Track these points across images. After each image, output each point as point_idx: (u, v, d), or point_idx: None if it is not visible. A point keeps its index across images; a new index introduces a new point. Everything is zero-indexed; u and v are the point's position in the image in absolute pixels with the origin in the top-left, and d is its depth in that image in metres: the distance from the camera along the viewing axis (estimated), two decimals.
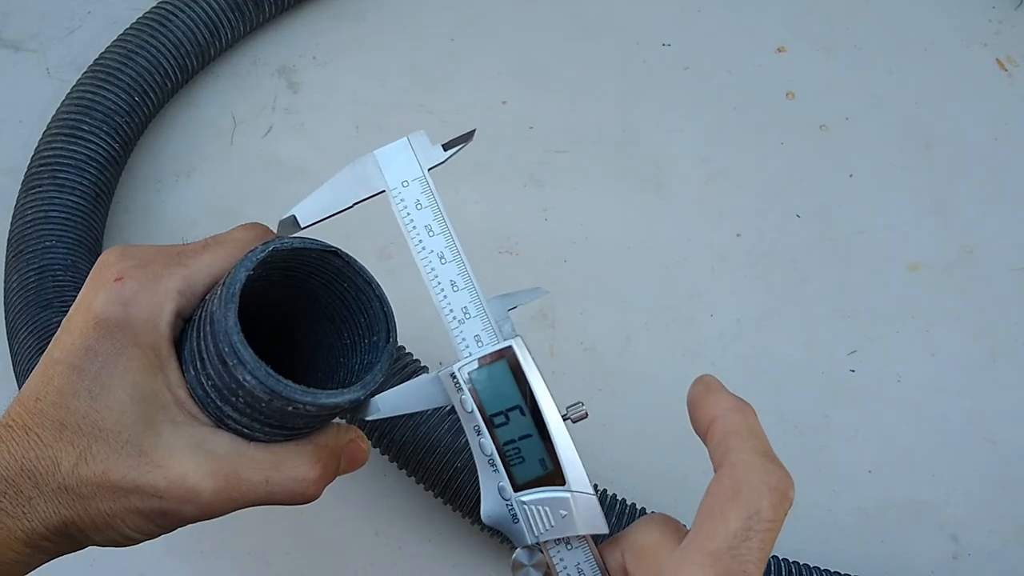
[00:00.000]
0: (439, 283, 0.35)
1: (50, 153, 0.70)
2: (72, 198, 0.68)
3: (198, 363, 0.35)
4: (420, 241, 0.36)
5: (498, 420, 0.34)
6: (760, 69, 0.84)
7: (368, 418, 0.35)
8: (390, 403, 0.35)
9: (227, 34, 0.78)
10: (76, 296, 0.62)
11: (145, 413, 0.35)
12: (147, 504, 0.35)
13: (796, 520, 0.66)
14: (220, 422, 0.36)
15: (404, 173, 0.38)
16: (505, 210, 0.77)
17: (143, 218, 0.75)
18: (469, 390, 0.34)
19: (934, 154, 0.80)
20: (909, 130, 0.81)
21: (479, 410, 0.34)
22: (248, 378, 0.34)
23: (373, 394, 0.36)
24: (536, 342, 0.69)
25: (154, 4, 0.78)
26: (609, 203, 0.77)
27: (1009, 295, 0.74)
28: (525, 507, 0.34)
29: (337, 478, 0.40)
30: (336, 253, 0.36)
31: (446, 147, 0.38)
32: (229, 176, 0.78)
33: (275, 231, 0.39)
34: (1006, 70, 0.84)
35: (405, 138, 0.38)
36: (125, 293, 0.36)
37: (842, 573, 0.60)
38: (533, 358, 0.35)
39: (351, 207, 0.37)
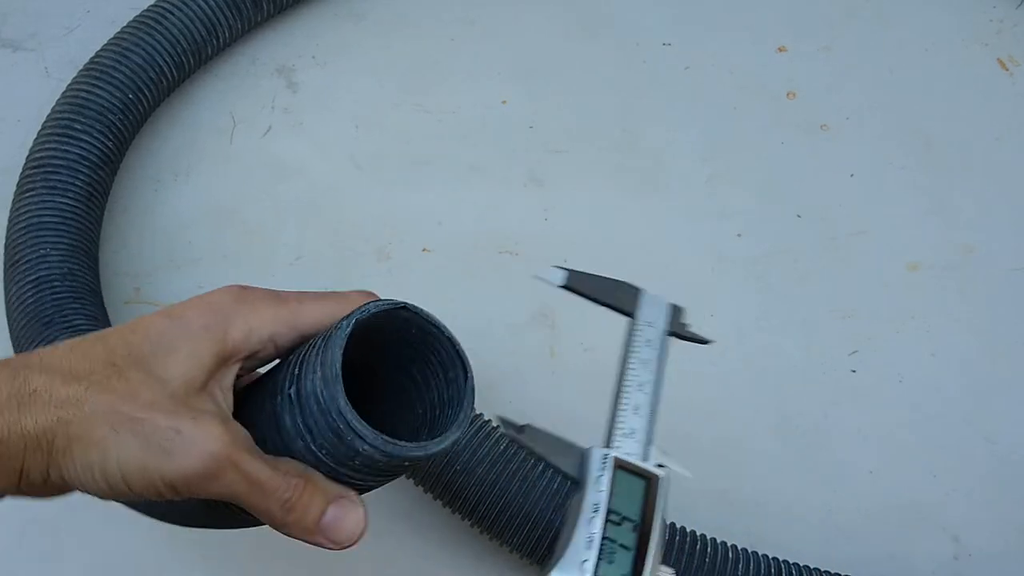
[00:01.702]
0: (627, 402, 0.40)
1: (43, 154, 0.69)
2: (65, 200, 0.68)
3: (307, 436, 0.37)
4: (634, 367, 0.41)
5: (613, 517, 0.37)
6: (760, 69, 0.84)
7: (519, 436, 0.38)
8: (538, 438, 0.38)
9: (225, 32, 0.78)
10: (76, 308, 0.62)
11: (191, 378, 0.37)
12: (157, 437, 0.35)
13: (796, 520, 0.66)
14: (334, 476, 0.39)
15: (652, 318, 0.44)
16: (505, 210, 0.76)
17: (141, 217, 0.75)
18: (612, 478, 0.37)
19: (934, 154, 0.80)
20: (909, 130, 0.81)
21: (607, 497, 0.37)
22: (366, 448, 0.36)
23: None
24: (536, 343, 0.69)
25: (152, 3, 0.78)
26: (609, 203, 0.77)
27: (1009, 295, 0.74)
28: None
29: None
30: (405, 307, 0.38)
31: (686, 333, 0.45)
32: (228, 175, 0.78)
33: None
34: (1007, 70, 0.84)
35: (670, 303, 0.45)
36: (243, 295, 0.39)
37: (842, 574, 0.60)
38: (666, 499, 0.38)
39: (600, 303, 0.44)
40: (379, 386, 0.42)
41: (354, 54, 0.84)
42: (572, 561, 0.36)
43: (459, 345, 0.39)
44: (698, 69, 0.84)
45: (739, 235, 0.76)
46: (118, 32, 0.76)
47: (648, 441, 0.39)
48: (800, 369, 0.71)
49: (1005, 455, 0.68)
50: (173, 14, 0.75)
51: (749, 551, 0.60)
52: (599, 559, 0.36)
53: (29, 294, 0.64)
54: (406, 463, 0.37)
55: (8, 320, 0.66)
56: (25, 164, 0.70)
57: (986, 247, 0.76)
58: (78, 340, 0.37)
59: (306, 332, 0.40)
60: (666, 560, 0.57)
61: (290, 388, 0.38)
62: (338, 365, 0.36)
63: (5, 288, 0.66)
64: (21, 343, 0.63)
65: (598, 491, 0.36)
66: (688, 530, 0.60)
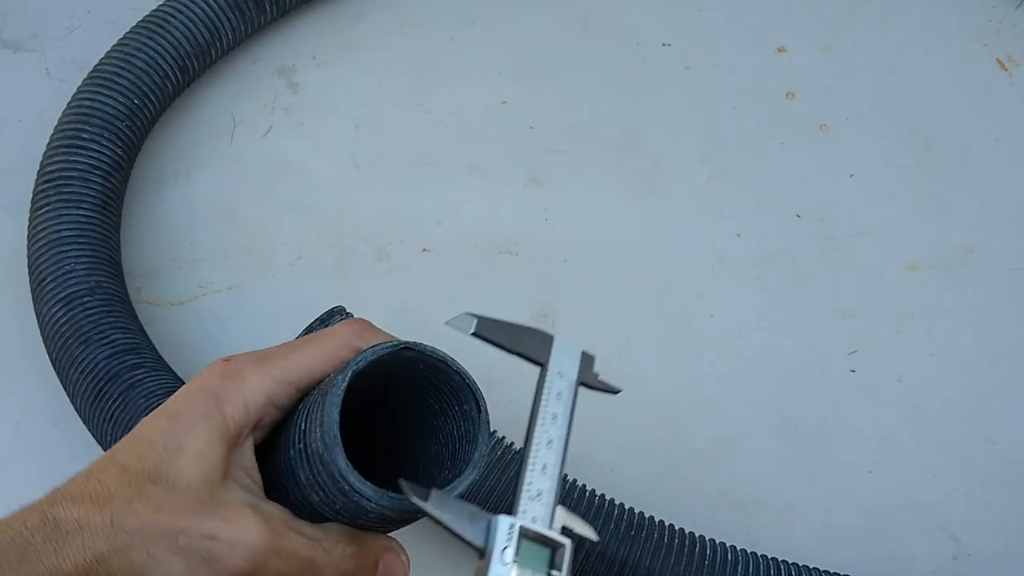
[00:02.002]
0: (535, 460, 0.38)
1: (53, 167, 0.69)
2: (81, 211, 0.67)
3: (320, 492, 0.37)
4: (543, 422, 0.39)
5: None
6: (760, 69, 0.84)
7: (423, 504, 0.36)
8: (444, 509, 0.36)
9: (228, 35, 0.78)
10: (111, 321, 0.63)
11: (209, 474, 0.36)
12: (196, 547, 0.35)
13: (796, 520, 0.66)
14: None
15: (563, 368, 0.41)
16: (505, 210, 0.77)
17: (143, 218, 0.75)
18: (517, 549, 0.36)
19: (934, 154, 0.80)
20: (909, 130, 0.81)
21: (513, 570, 0.36)
22: (373, 506, 0.36)
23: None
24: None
25: (154, 4, 0.78)
26: (609, 203, 0.77)
27: (1009, 295, 0.74)
28: None
29: None
30: (406, 347, 0.38)
31: (596, 384, 0.42)
32: (229, 176, 0.78)
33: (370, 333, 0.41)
34: (1006, 70, 0.84)
35: (583, 349, 0.42)
36: (228, 370, 0.38)
37: (842, 574, 0.60)
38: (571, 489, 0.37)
39: (509, 352, 0.41)
40: (402, 418, 0.42)
41: (354, 54, 0.84)
42: None
43: (469, 378, 0.39)
44: (698, 69, 0.84)
45: (739, 235, 0.76)
46: (121, 38, 0.76)
47: (555, 502, 0.38)
48: (800, 369, 0.71)
49: (1005, 455, 0.68)
50: (175, 17, 0.75)
51: (748, 552, 0.60)
52: None
53: (60, 312, 0.63)
54: (420, 513, 0.36)
55: (44, 341, 0.65)
56: (37, 179, 0.70)
57: (986, 247, 0.76)
58: (92, 466, 0.37)
59: (301, 383, 0.39)
60: (666, 563, 0.57)
61: (299, 443, 0.38)
62: (335, 427, 0.35)
63: (35, 308, 0.66)
64: (62, 365, 0.63)
65: (503, 564, 0.35)
66: (687, 531, 0.60)
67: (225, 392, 0.38)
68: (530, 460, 0.38)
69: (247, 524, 0.36)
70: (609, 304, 0.73)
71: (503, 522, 0.36)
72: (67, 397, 0.64)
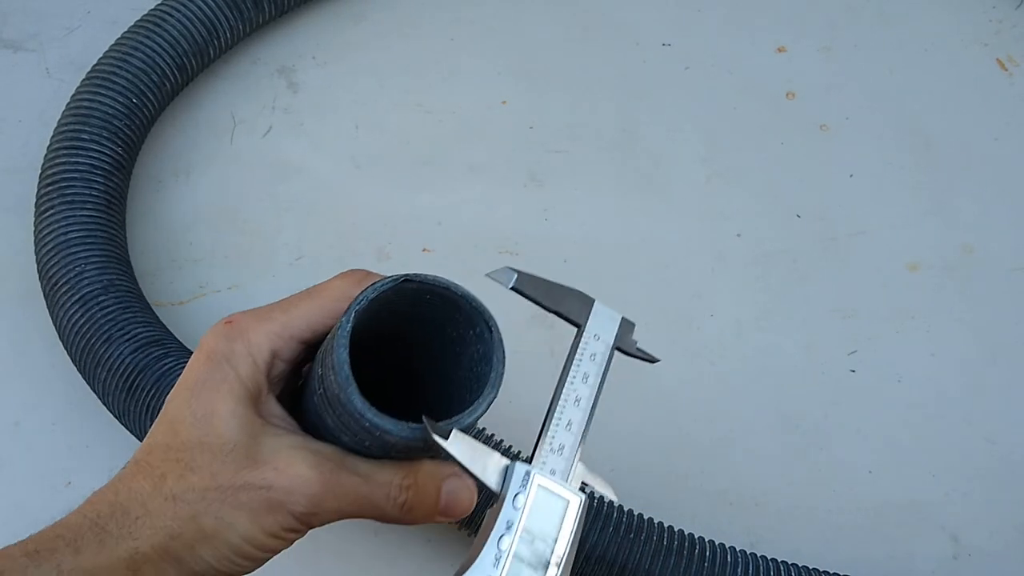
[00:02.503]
0: (561, 417, 0.39)
1: (55, 169, 0.69)
2: (85, 212, 0.67)
3: (347, 433, 0.37)
4: (572, 380, 0.40)
5: (525, 536, 0.36)
6: (760, 69, 0.84)
7: (443, 442, 0.36)
8: (463, 449, 0.37)
9: (226, 33, 0.78)
10: (129, 317, 0.64)
11: (247, 429, 0.37)
12: (256, 499, 0.36)
13: (796, 520, 0.66)
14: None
15: (600, 331, 0.42)
16: (505, 210, 0.77)
17: (143, 217, 0.75)
18: (530, 496, 0.37)
19: (934, 154, 0.80)
20: (909, 130, 0.81)
21: (523, 515, 0.36)
22: (396, 439, 0.36)
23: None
24: (536, 343, 0.69)
25: (153, 4, 0.78)
26: (609, 203, 0.77)
27: (1009, 295, 0.74)
28: None
29: None
30: (407, 279, 0.38)
31: (634, 351, 0.43)
32: (229, 175, 0.78)
33: (365, 271, 0.41)
34: (1006, 70, 0.84)
35: (622, 316, 0.43)
36: (231, 332, 0.39)
37: (842, 574, 0.60)
38: (584, 524, 0.38)
39: (547, 310, 0.41)
40: (425, 352, 0.42)
41: (354, 54, 0.84)
42: None
43: (476, 301, 0.39)
44: (698, 69, 0.84)
45: (739, 235, 0.76)
46: (119, 37, 0.76)
47: (574, 458, 0.38)
48: (800, 369, 0.71)
49: (1005, 455, 0.68)
50: (172, 16, 0.75)
51: (748, 553, 0.60)
52: None
53: (78, 314, 0.63)
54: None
55: (64, 343, 0.65)
56: (39, 182, 0.70)
57: (986, 247, 0.76)
58: (136, 454, 0.38)
59: (303, 337, 0.40)
60: (665, 565, 0.57)
61: (319, 388, 0.38)
62: (346, 367, 0.36)
63: (50, 311, 0.66)
64: (87, 364, 0.63)
65: (514, 509, 0.36)
66: (687, 533, 0.60)
67: (234, 354, 0.38)
68: (556, 415, 0.39)
69: (299, 467, 0.36)
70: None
71: (519, 468, 0.37)
72: (65, 397, 0.64)
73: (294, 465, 0.37)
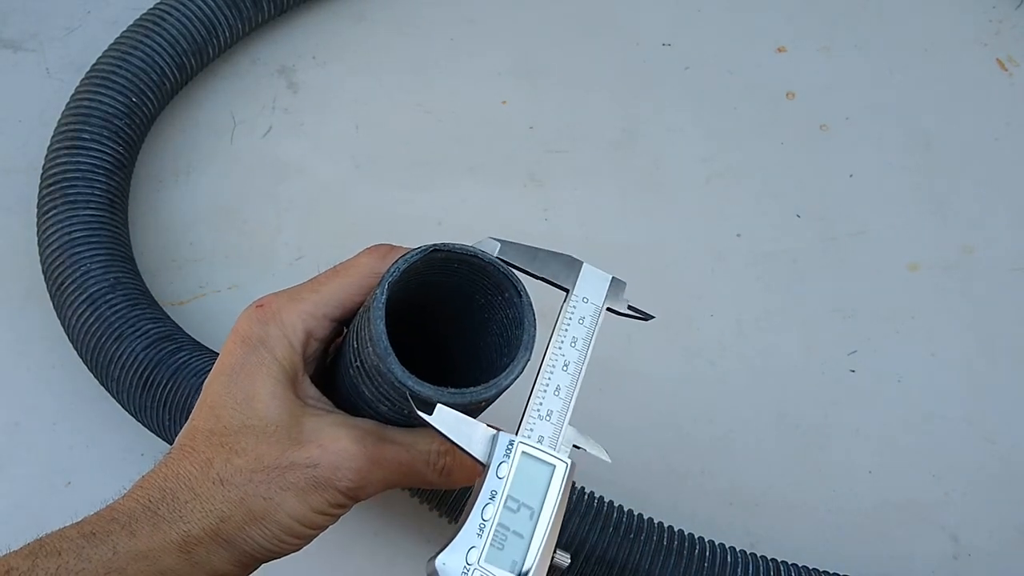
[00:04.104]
0: (549, 381, 0.39)
1: (56, 169, 0.69)
2: (88, 211, 0.67)
3: (386, 403, 0.38)
4: (560, 345, 0.40)
5: (510, 504, 0.36)
6: (760, 69, 0.84)
7: (428, 418, 0.36)
8: (447, 422, 0.37)
9: (225, 33, 0.78)
10: (138, 314, 0.64)
11: (289, 410, 0.38)
12: (302, 477, 0.37)
13: (796, 520, 0.66)
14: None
15: (589, 293, 0.41)
16: (505, 210, 0.77)
17: (143, 217, 0.75)
18: (513, 465, 0.37)
19: (934, 154, 0.80)
20: (909, 130, 0.81)
21: (507, 484, 0.36)
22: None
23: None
24: (536, 343, 0.69)
25: (152, 3, 0.78)
26: (609, 203, 0.77)
27: (1009, 295, 0.74)
28: None
29: None
30: (435, 249, 0.39)
31: (625, 310, 0.42)
32: (229, 176, 0.78)
33: (392, 246, 0.42)
34: (1006, 70, 0.84)
35: (611, 276, 0.42)
36: (264, 315, 0.40)
37: (842, 574, 0.60)
38: (570, 492, 0.38)
39: (533, 276, 0.41)
40: (458, 321, 0.43)
41: (354, 54, 0.84)
42: (460, 547, 0.36)
43: (503, 267, 0.39)
44: (698, 69, 0.84)
45: (739, 235, 0.76)
46: (118, 37, 0.76)
47: (563, 423, 0.38)
48: (800, 369, 0.71)
49: (1005, 455, 0.68)
50: (171, 15, 0.75)
51: (748, 553, 0.60)
52: (490, 545, 0.36)
53: (87, 313, 0.63)
54: (483, 403, 0.38)
55: (74, 344, 0.65)
56: (41, 183, 0.69)
57: (986, 247, 0.76)
58: (179, 440, 0.39)
59: (335, 315, 0.41)
60: (665, 565, 0.57)
61: (356, 361, 0.39)
62: (384, 337, 0.36)
63: (57, 311, 0.66)
64: (99, 363, 0.63)
65: (497, 479, 0.36)
66: (686, 533, 0.60)
67: (269, 337, 0.39)
68: (542, 380, 0.39)
69: (342, 444, 0.37)
70: None
71: (503, 438, 0.37)
72: (65, 397, 0.64)
73: (338, 441, 0.37)
